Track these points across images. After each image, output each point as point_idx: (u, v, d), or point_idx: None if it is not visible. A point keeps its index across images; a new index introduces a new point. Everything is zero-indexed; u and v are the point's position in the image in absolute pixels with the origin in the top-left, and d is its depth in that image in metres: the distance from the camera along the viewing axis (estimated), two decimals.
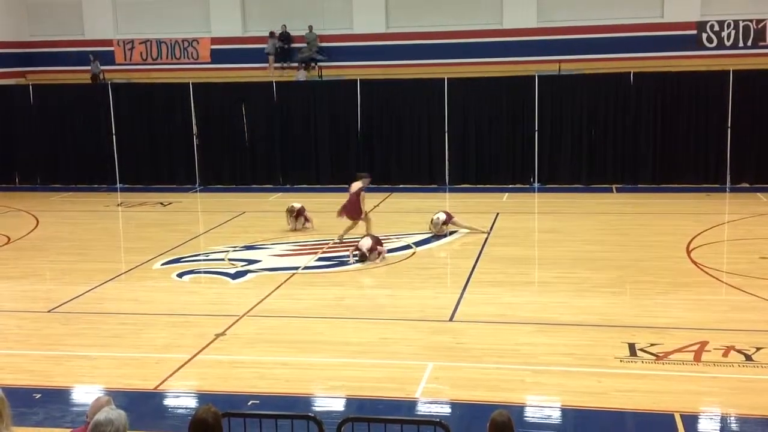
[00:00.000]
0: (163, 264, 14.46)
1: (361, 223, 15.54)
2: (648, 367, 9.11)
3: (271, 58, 25.93)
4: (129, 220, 19.27)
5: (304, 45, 25.83)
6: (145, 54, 27.03)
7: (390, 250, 14.92)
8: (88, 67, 26.33)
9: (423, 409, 8.28)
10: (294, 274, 13.68)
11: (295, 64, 25.78)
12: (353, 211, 15.40)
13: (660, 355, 9.38)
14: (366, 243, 14.37)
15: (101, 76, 26.16)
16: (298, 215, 16.81)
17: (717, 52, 23.65)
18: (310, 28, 25.67)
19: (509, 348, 9.87)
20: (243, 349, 10.08)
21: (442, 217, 16.10)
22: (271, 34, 25.81)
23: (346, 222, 15.59)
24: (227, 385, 8.92)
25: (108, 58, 27.05)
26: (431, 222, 16.15)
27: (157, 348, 10.21)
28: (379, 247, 14.42)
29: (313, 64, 25.66)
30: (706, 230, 15.96)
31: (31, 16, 27.70)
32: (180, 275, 13.71)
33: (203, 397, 8.56)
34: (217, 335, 10.49)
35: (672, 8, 24.02)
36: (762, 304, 11.39)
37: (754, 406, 8.10)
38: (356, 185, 15.53)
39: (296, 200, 17.34)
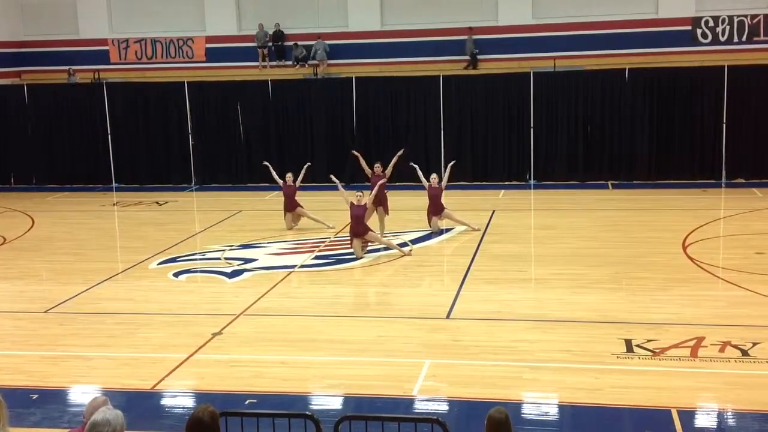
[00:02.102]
0: (159, 263, 14.45)
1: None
2: (645, 363, 9.12)
3: (261, 51, 25.86)
4: (125, 219, 19.25)
5: (295, 43, 25.73)
6: (140, 53, 26.97)
7: (387, 248, 14.92)
8: (83, 67, 26.29)
9: (420, 406, 8.28)
10: (291, 272, 13.68)
11: (290, 63, 25.74)
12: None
13: (656, 351, 9.39)
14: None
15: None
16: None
17: (712, 47, 23.65)
18: (320, 38, 25.47)
19: (506, 345, 9.88)
20: (240, 348, 10.08)
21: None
22: (260, 26, 25.71)
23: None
24: (224, 385, 8.92)
25: (103, 57, 26.99)
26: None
27: (153, 348, 10.21)
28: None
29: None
30: (702, 226, 15.98)
31: (26, 15, 27.61)
32: (176, 275, 13.70)
33: (200, 397, 8.56)
34: (214, 334, 10.49)
35: (666, 4, 24.01)
36: (758, 299, 11.41)
37: (750, 401, 8.11)
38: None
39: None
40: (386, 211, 15.99)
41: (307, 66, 25.30)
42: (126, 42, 26.99)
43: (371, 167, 16.55)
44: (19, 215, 19.39)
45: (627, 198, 19.64)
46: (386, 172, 16.38)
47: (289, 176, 17.02)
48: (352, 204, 14.47)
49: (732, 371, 8.84)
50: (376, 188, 15.25)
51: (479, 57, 24.46)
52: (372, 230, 14.77)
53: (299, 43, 25.53)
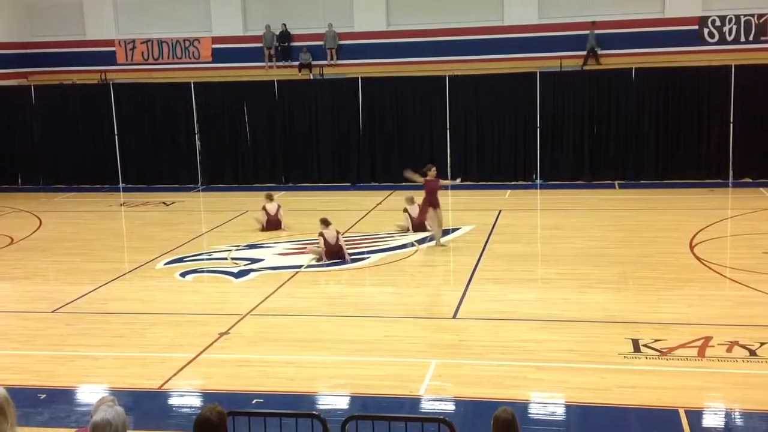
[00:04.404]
0: (166, 264, 14.48)
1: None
2: (652, 363, 9.11)
3: (268, 51, 25.90)
4: (132, 220, 19.29)
5: (304, 49, 25.78)
6: (147, 54, 27.03)
7: (393, 248, 14.94)
8: (90, 68, 26.37)
9: (427, 406, 8.27)
10: (297, 272, 13.69)
11: (296, 63, 25.78)
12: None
13: (664, 350, 9.38)
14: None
15: None
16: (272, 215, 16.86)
17: (719, 47, 23.60)
18: (330, 25, 25.59)
19: (512, 345, 9.87)
20: (247, 348, 10.10)
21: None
22: (267, 27, 25.76)
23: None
24: (231, 384, 8.93)
25: (109, 58, 27.06)
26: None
27: (161, 347, 10.23)
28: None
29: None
30: (709, 226, 15.94)
31: (33, 17, 27.70)
32: (183, 275, 13.72)
33: (207, 396, 8.57)
34: (221, 334, 10.50)
35: (673, 4, 23.95)
36: (765, 299, 11.38)
37: (758, 401, 8.09)
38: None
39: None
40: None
41: (311, 71, 25.33)
42: (132, 43, 27.06)
43: (422, 173, 15.56)
44: (26, 216, 19.45)
45: (634, 198, 19.61)
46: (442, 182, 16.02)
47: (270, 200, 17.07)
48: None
49: (739, 371, 8.82)
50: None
51: (600, 52, 24.01)
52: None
53: (305, 44, 25.57)
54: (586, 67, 23.20)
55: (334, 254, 14.25)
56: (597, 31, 23.80)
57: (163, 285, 13.27)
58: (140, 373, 9.35)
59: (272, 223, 16.82)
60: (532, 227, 17.27)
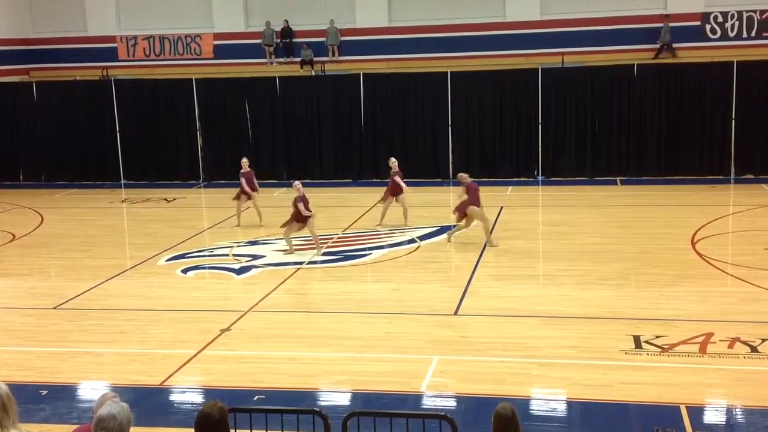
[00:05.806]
0: (168, 260, 14.48)
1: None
2: (653, 359, 9.11)
3: (267, 48, 25.88)
4: (133, 216, 19.30)
5: (305, 45, 25.78)
6: (148, 50, 27.01)
7: (395, 245, 14.94)
8: (92, 64, 26.36)
9: (428, 402, 8.28)
10: (299, 269, 13.69)
11: (298, 59, 25.76)
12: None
13: (665, 347, 9.38)
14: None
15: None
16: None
17: (721, 43, 23.55)
18: (332, 22, 25.58)
19: (514, 341, 9.87)
20: (248, 345, 10.11)
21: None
22: (267, 24, 25.75)
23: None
24: (233, 381, 8.94)
25: (111, 54, 27.04)
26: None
27: (162, 344, 10.24)
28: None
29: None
30: (711, 222, 15.93)
31: (35, 13, 27.69)
32: (185, 271, 13.73)
33: (209, 393, 8.58)
34: (223, 331, 10.51)
35: (675, 0, 23.92)
36: (767, 295, 11.36)
37: (759, 397, 8.09)
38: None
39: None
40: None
41: (312, 67, 25.32)
42: (134, 39, 27.04)
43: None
44: (28, 212, 19.46)
45: (635, 194, 19.58)
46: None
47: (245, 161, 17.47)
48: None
49: (741, 367, 8.82)
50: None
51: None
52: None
53: (307, 40, 25.58)
54: (660, 60, 22.83)
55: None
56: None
57: (164, 281, 13.28)
58: (142, 370, 9.36)
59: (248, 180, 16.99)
60: (534, 224, 17.26)
